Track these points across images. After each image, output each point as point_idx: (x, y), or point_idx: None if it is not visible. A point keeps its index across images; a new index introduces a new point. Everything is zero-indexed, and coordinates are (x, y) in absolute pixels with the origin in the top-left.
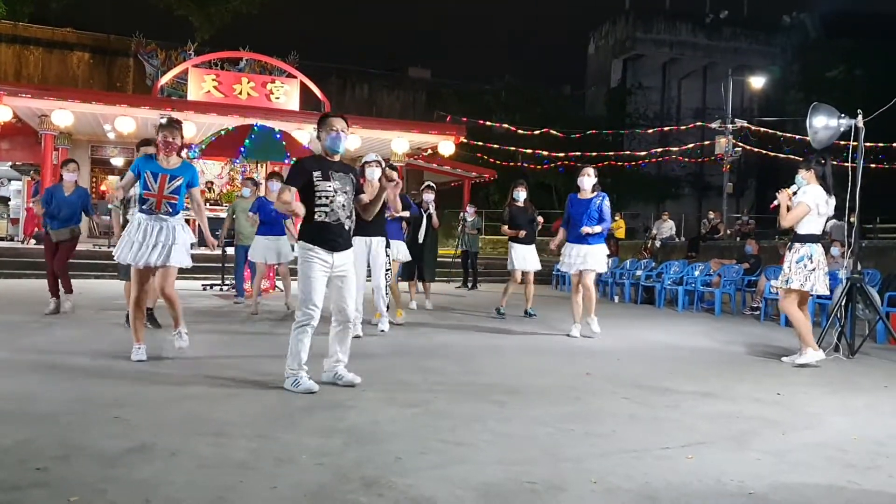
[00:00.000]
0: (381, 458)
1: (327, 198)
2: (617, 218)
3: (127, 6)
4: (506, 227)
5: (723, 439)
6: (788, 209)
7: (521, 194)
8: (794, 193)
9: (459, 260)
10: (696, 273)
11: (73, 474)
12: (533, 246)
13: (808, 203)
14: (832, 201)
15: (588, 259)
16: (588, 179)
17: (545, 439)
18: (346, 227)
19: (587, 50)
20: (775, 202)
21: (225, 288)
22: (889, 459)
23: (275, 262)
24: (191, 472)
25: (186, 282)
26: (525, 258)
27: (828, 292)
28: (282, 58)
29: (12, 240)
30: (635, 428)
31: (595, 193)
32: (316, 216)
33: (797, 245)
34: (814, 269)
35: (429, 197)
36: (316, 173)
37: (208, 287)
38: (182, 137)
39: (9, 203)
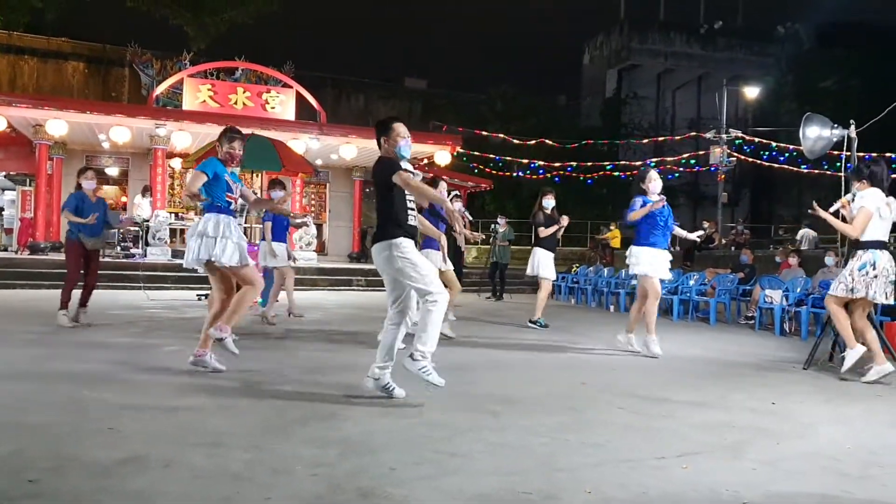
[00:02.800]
0: (375, 469)
1: (413, 203)
2: (612, 227)
3: (122, 16)
4: (543, 228)
5: (717, 449)
6: (843, 218)
7: (550, 202)
8: (851, 202)
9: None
10: (691, 282)
11: (66, 485)
12: (553, 255)
13: (869, 206)
14: (894, 204)
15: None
16: (658, 183)
17: (540, 449)
18: None
19: (582, 60)
20: (832, 208)
21: None
22: (883, 469)
23: (274, 266)
24: (185, 483)
25: (180, 292)
26: (550, 265)
27: (891, 301)
28: (277, 68)
29: (6, 250)
30: (630, 437)
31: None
32: (410, 220)
33: (859, 252)
34: (876, 277)
35: (457, 206)
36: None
37: (203, 297)
38: (244, 148)
39: (2, 213)
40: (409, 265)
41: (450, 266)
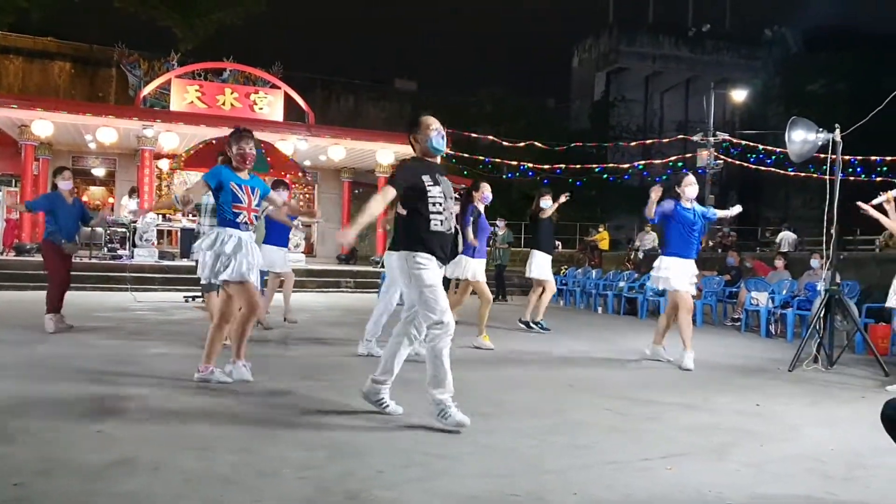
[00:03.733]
0: (363, 472)
1: (440, 204)
2: (601, 229)
3: (110, 16)
4: (544, 209)
5: (703, 451)
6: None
7: (547, 203)
8: None
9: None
10: None
11: (55, 489)
12: (550, 257)
13: None
14: None
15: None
16: (695, 188)
17: (528, 451)
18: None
19: (571, 63)
20: (875, 200)
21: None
22: (867, 470)
23: (279, 270)
24: (175, 486)
25: (168, 293)
26: (548, 267)
27: None
28: (266, 69)
29: None
30: (617, 439)
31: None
32: (432, 225)
33: None
34: None
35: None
36: (425, 177)
37: (190, 299)
38: (254, 147)
39: None
40: (420, 282)
41: (482, 277)
